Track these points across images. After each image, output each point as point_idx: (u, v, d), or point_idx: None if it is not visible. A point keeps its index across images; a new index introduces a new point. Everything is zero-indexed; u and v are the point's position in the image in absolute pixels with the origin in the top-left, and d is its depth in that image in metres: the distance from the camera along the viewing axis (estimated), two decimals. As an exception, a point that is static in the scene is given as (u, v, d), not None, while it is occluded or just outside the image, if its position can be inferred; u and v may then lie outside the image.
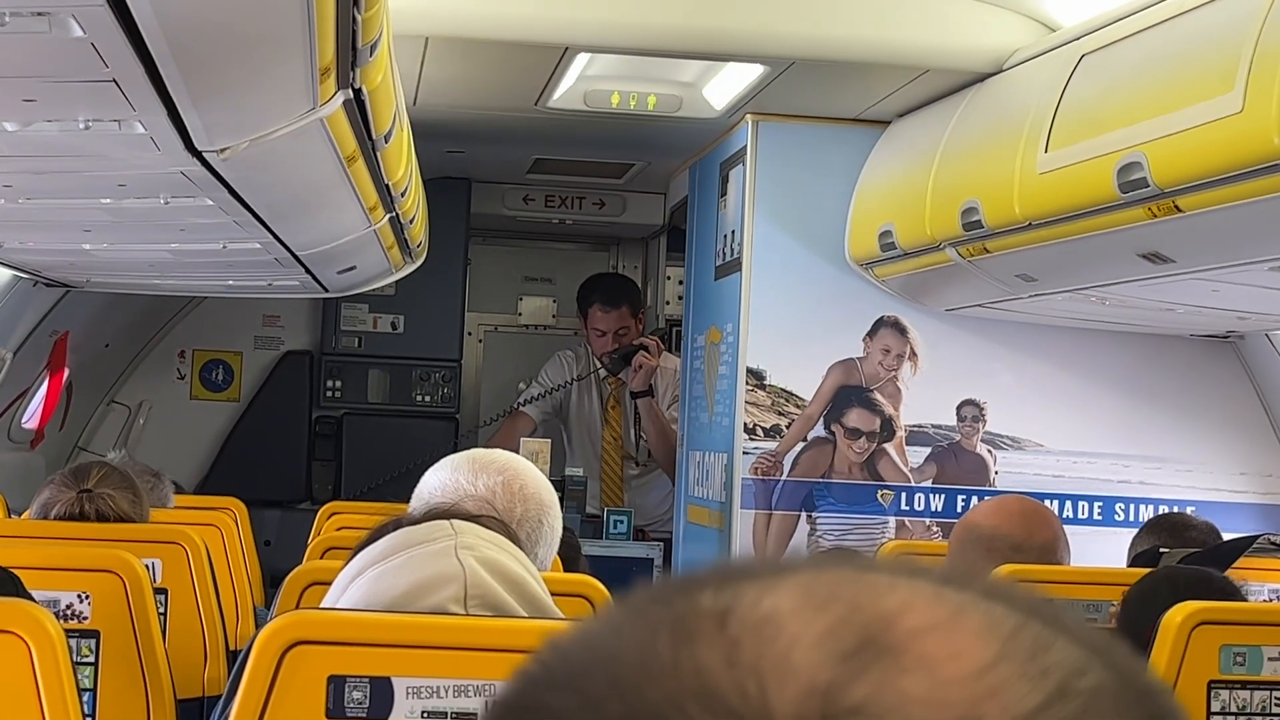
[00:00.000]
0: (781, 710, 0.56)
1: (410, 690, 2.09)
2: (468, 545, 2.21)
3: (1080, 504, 5.96)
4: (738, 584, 0.61)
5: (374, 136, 3.74)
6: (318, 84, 2.87)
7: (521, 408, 7.79)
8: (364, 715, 2.09)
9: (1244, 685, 2.83)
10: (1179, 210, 3.72)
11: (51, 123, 2.83)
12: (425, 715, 2.09)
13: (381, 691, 2.09)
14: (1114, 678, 0.59)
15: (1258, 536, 4.64)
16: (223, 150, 3.11)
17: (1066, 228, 4.22)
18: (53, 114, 2.76)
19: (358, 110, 3.40)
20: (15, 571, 3.05)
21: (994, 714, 0.56)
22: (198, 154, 3.10)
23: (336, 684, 2.09)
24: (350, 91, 3.17)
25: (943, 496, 5.90)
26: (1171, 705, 0.60)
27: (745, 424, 5.86)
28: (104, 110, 2.73)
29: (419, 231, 5.93)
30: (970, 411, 5.93)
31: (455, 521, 2.26)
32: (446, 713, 2.09)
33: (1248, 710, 2.84)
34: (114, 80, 2.50)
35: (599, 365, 7.64)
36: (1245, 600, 3.53)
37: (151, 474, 5.37)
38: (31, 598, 2.92)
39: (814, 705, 0.56)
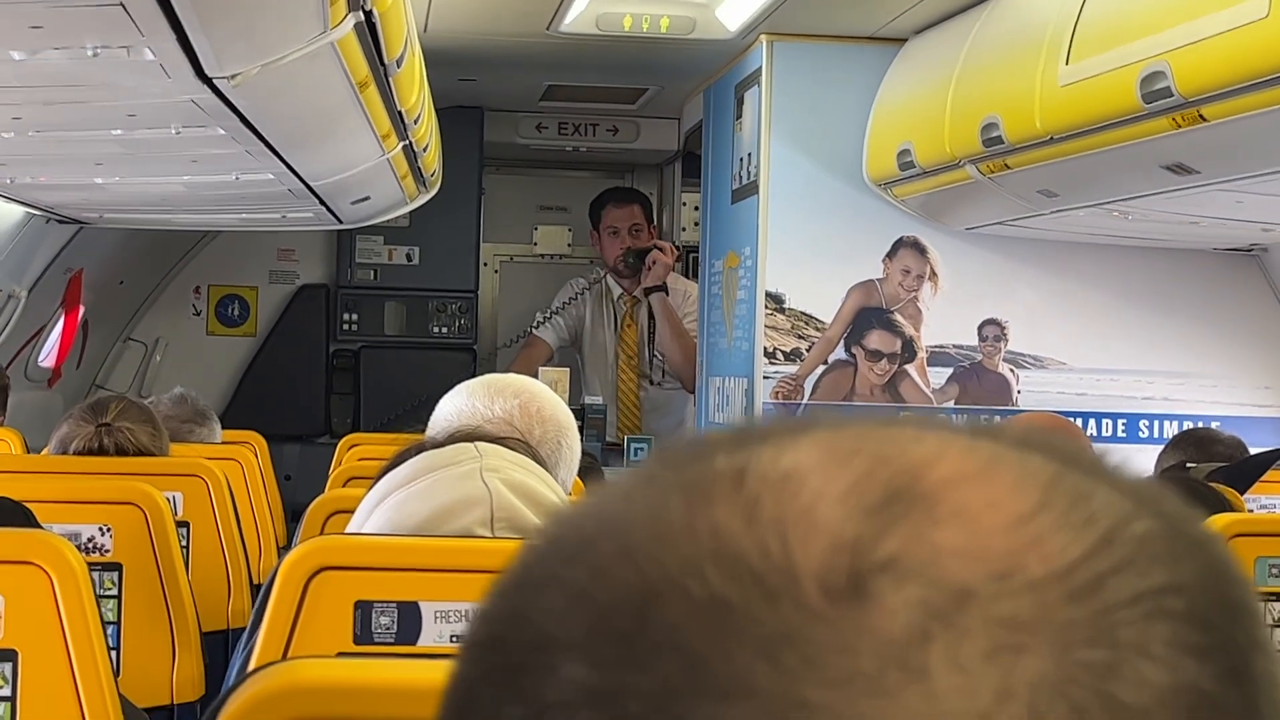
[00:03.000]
0: (806, 567, 0.52)
1: (438, 614, 2.06)
2: (493, 468, 2.18)
3: (1104, 421, 5.93)
4: (753, 444, 0.57)
5: (386, 61, 3.70)
6: (328, 5, 2.83)
7: (535, 331, 7.78)
8: (392, 641, 2.06)
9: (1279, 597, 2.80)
10: (1203, 120, 3.67)
11: (59, 50, 2.79)
12: (454, 639, 2.07)
13: (409, 616, 2.06)
14: (1163, 526, 0.55)
15: (1285, 450, 4.61)
16: (233, 76, 3.07)
17: (1088, 141, 4.17)
18: (60, 40, 2.72)
19: (369, 33, 3.36)
20: (36, 505, 3.03)
21: (1036, 565, 0.52)
22: (208, 81, 3.06)
23: (364, 610, 2.06)
24: (361, 14, 3.13)
25: (965, 417, 5.87)
26: (1224, 555, 0.56)
27: (765, 348, 5.82)
28: (112, 36, 2.68)
29: (432, 160, 5.89)
30: (992, 331, 5.89)
31: (480, 444, 2.23)
32: (475, 636, 2.06)
33: (1283, 622, 2.82)
34: (121, 4, 2.46)
35: (613, 271, 7.62)
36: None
37: (202, 415, 5.37)
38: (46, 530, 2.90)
39: (842, 561, 0.52)
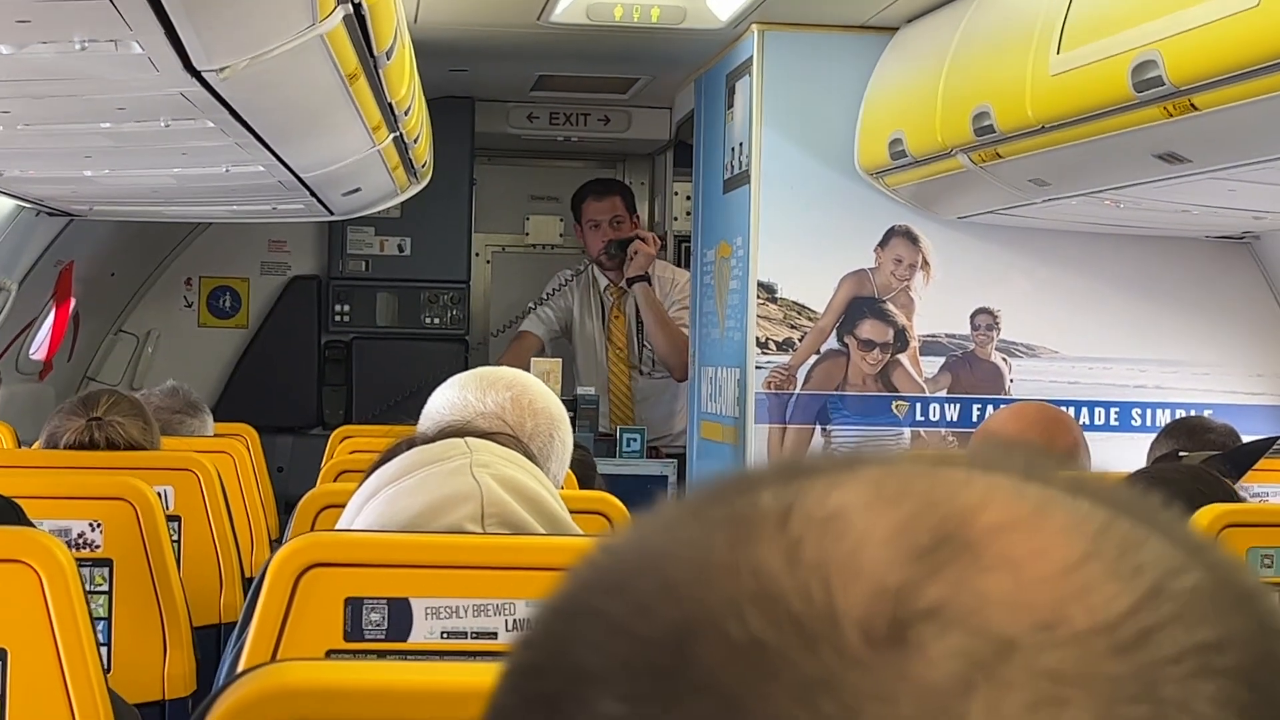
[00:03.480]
0: (848, 613, 0.52)
1: (429, 611, 2.06)
2: (483, 463, 2.17)
3: (1096, 410, 5.92)
4: (801, 480, 0.57)
5: (375, 53, 3.69)
6: (317, -2, 2.82)
7: (525, 325, 7.77)
8: (382, 637, 2.06)
9: (1273, 587, 2.80)
10: (1195, 109, 3.66)
11: (47, 44, 2.78)
12: (445, 635, 2.06)
13: (400, 613, 2.06)
14: (1212, 578, 0.54)
15: (1277, 438, 4.61)
16: (222, 70, 3.06)
17: (1080, 130, 4.16)
18: (48, 34, 2.71)
19: (358, 26, 3.35)
20: (26, 501, 3.02)
21: (1081, 616, 0.51)
22: (197, 74, 3.05)
23: (354, 606, 2.05)
24: (350, 6, 3.12)
25: (958, 406, 5.87)
26: (1273, 609, 0.55)
27: (757, 338, 5.82)
28: (100, 30, 2.67)
29: (423, 151, 5.88)
30: (984, 320, 5.89)
31: (470, 439, 2.22)
32: (466, 632, 2.06)
33: (1276, 612, 2.81)
34: (108, -2, 2.45)
35: (596, 263, 7.61)
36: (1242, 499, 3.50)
37: (194, 406, 5.36)
38: (34, 527, 2.89)
39: (884, 607, 0.52)
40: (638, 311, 7.51)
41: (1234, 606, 0.54)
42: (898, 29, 5.67)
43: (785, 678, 0.51)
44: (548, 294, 7.79)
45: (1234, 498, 3.27)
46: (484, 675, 1.06)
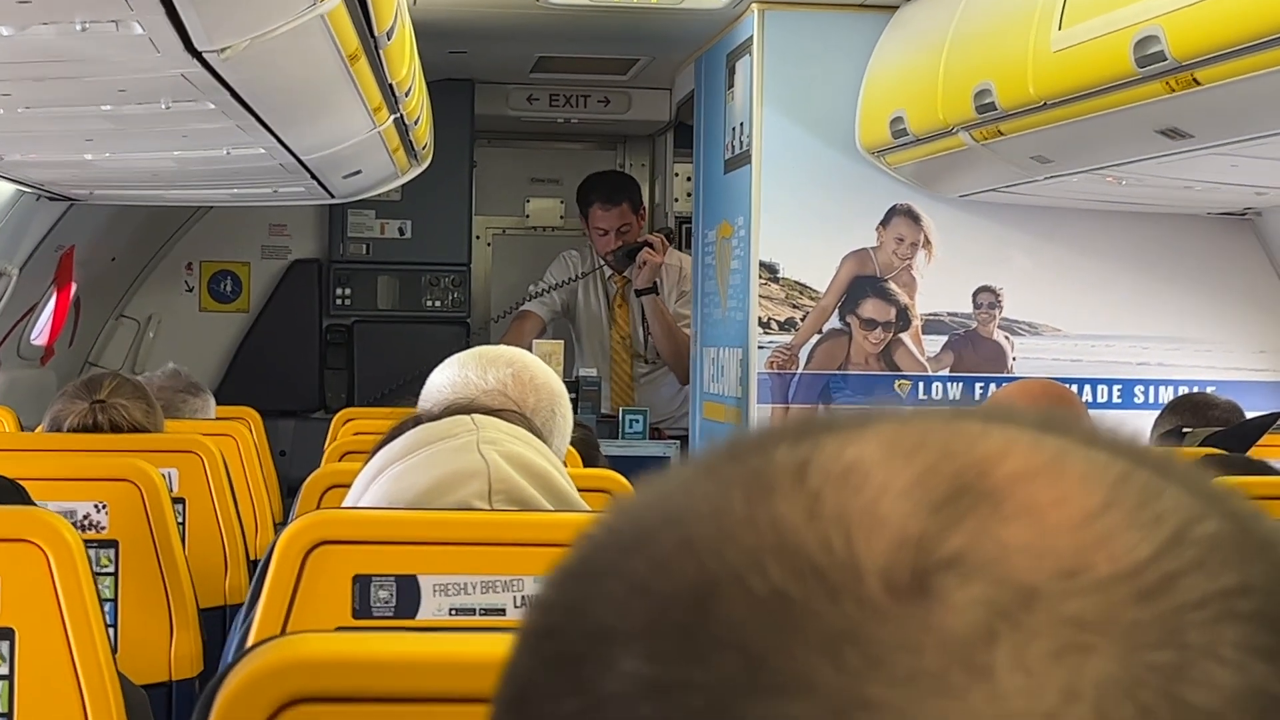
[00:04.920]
0: (870, 563, 0.51)
1: (437, 587, 2.06)
2: (490, 440, 2.17)
3: (1100, 387, 5.92)
4: (816, 436, 0.57)
5: (376, 34, 3.68)
6: (318, -23, 2.81)
7: (526, 305, 7.75)
8: (391, 614, 2.06)
9: None
10: (1197, 83, 3.65)
11: (47, 25, 2.77)
12: (453, 612, 2.06)
13: (408, 590, 2.06)
14: (1233, 526, 0.54)
15: (1281, 414, 4.61)
16: (223, 50, 3.05)
17: (1082, 106, 4.16)
18: (48, 15, 2.71)
19: (358, 6, 3.34)
20: (30, 483, 3.02)
21: (1103, 563, 0.51)
22: (198, 55, 3.04)
23: (362, 584, 2.05)
24: (351, -15, 3.11)
25: (960, 385, 5.87)
26: None
27: (759, 318, 5.81)
28: (100, 10, 2.67)
29: (424, 133, 5.87)
30: (986, 298, 5.88)
31: (476, 416, 2.22)
32: (474, 609, 2.06)
33: (1281, 585, 2.81)
34: (109, -23, 2.44)
35: (604, 263, 7.60)
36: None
37: (195, 387, 5.36)
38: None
39: (906, 557, 0.51)
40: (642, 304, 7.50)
41: (1255, 552, 0.54)
42: (898, 7, 5.66)
43: (809, 630, 0.51)
44: (552, 285, 7.75)
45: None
46: (495, 646, 1.06)
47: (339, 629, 2.03)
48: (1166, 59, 3.64)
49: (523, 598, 2.06)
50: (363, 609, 2.05)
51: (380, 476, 2.20)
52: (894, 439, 0.56)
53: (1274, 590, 0.53)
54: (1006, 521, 0.52)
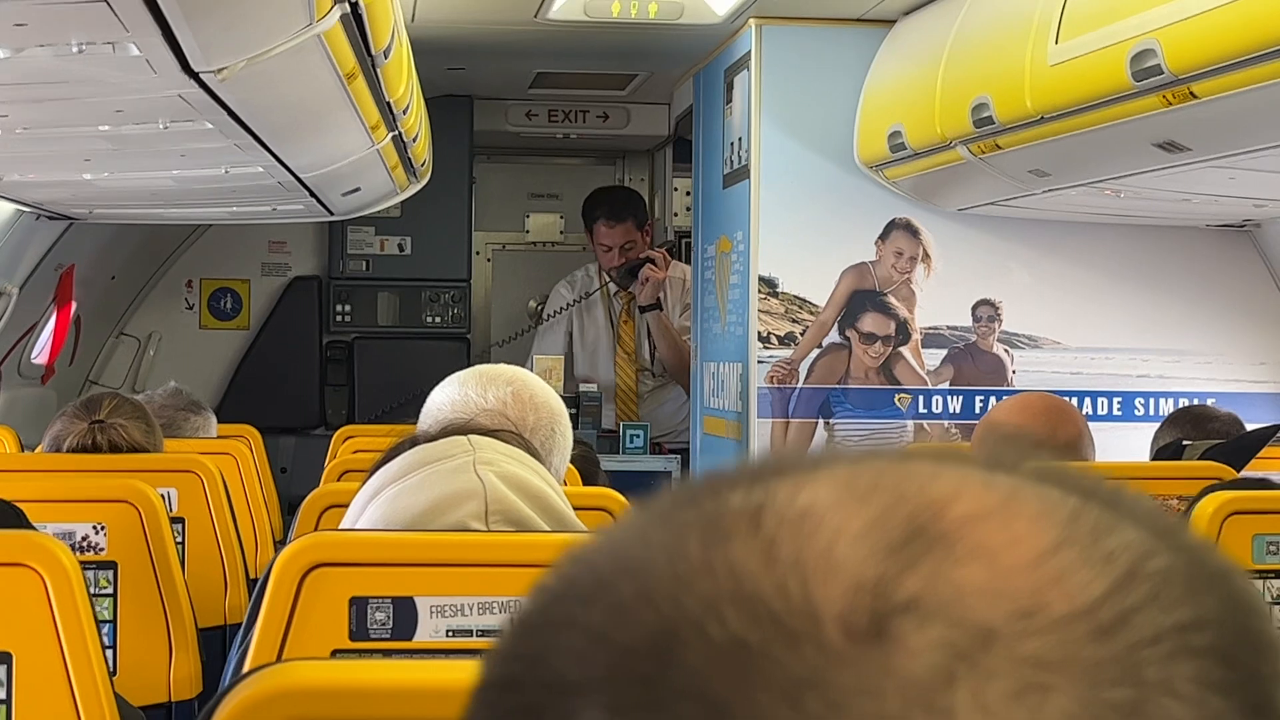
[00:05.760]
0: (827, 608, 0.52)
1: (434, 609, 2.06)
2: (486, 460, 2.17)
3: (1100, 400, 5.92)
4: (770, 480, 0.57)
5: (373, 52, 3.68)
6: (314, -3, 2.82)
7: (545, 330, 7.73)
8: (388, 636, 2.05)
9: (1278, 574, 2.79)
10: (1194, 97, 3.65)
11: (44, 47, 2.77)
12: (450, 634, 2.06)
13: (405, 611, 2.06)
14: (1184, 560, 0.54)
15: (1281, 426, 4.60)
16: (220, 71, 3.05)
17: (1079, 120, 4.16)
18: (45, 38, 2.71)
19: (355, 25, 3.34)
20: (29, 505, 3.02)
21: (1059, 602, 0.52)
22: (194, 75, 3.05)
23: (359, 606, 2.05)
24: (347, 5, 3.11)
25: (961, 398, 5.87)
26: (1245, 587, 0.56)
27: (759, 332, 5.81)
28: (97, 32, 2.67)
29: (422, 150, 5.87)
30: (985, 311, 5.88)
31: (473, 437, 2.22)
32: (471, 630, 2.06)
33: (1281, 599, 2.81)
34: (106, 0, 2.45)
35: (609, 278, 7.61)
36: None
37: (196, 405, 5.36)
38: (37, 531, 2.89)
39: (863, 601, 0.52)
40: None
41: (1207, 586, 0.54)
42: (895, 21, 5.66)
43: (769, 677, 0.51)
44: (558, 307, 7.74)
45: None
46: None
47: (336, 651, 2.03)
48: (1163, 73, 3.64)
49: (520, 619, 2.06)
50: (359, 631, 2.05)
51: (377, 498, 2.20)
52: (847, 482, 0.56)
53: (1227, 623, 0.53)
54: (961, 563, 0.52)
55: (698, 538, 0.55)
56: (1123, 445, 5.39)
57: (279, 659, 2.00)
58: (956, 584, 0.52)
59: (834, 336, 5.84)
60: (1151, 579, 0.53)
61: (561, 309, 7.72)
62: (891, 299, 5.84)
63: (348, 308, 8.25)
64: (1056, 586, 0.52)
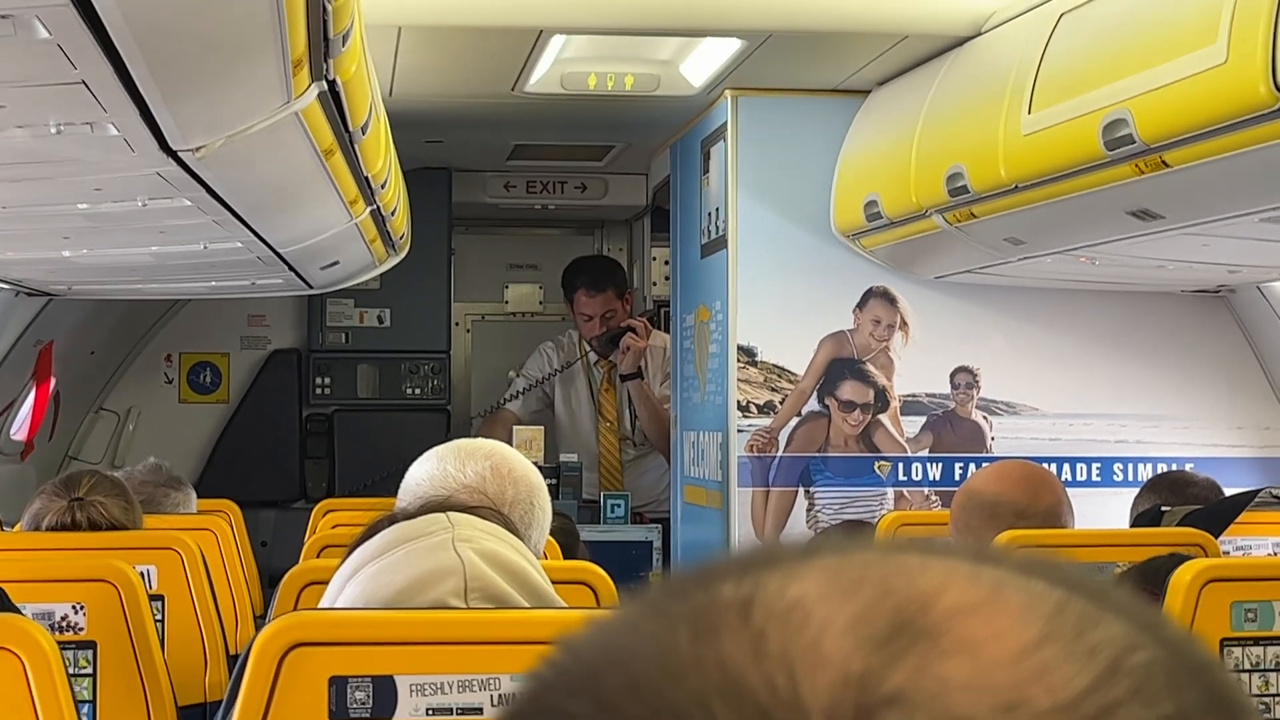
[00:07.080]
0: (814, 703, 0.52)
1: (414, 688, 2.05)
2: (465, 538, 2.17)
3: (1078, 466, 5.93)
4: (759, 572, 0.57)
5: (351, 128, 3.70)
6: (291, 76, 2.83)
7: (505, 405, 7.75)
8: (368, 715, 2.05)
9: (1256, 641, 2.80)
10: (1166, 166, 3.68)
11: (23, 128, 2.78)
12: (430, 712, 2.05)
13: (384, 690, 2.05)
14: (1166, 653, 0.55)
15: (1259, 491, 4.62)
16: (198, 149, 3.07)
17: (1053, 189, 4.19)
18: (23, 119, 2.72)
19: (333, 102, 3.36)
20: (8, 585, 3.01)
21: (1042, 697, 0.52)
22: (173, 154, 3.06)
23: (338, 685, 2.05)
24: (324, 83, 3.13)
25: (940, 465, 5.87)
26: (1227, 680, 0.56)
27: (739, 401, 5.82)
28: (75, 113, 2.68)
29: (401, 223, 5.89)
30: (964, 378, 5.90)
31: (451, 514, 2.23)
32: (451, 708, 2.05)
33: (1261, 666, 2.81)
34: (83, 82, 2.46)
35: (589, 348, 7.62)
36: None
37: (177, 481, 5.35)
38: (18, 610, 2.88)
39: (849, 695, 0.52)
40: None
41: (1189, 679, 0.55)
42: (870, 92, 5.70)
43: None
44: (538, 379, 7.75)
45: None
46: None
47: (316, 732, 2.03)
48: (1135, 141, 3.67)
49: (500, 696, 2.06)
50: (339, 710, 2.05)
51: (356, 575, 2.20)
52: (835, 575, 0.56)
53: (1209, 716, 0.54)
54: (946, 657, 0.53)
55: (687, 630, 0.55)
56: (1102, 511, 5.40)
57: (259, 740, 1.99)
58: (941, 678, 0.52)
59: (813, 405, 5.85)
60: (1134, 673, 0.53)
61: (540, 380, 7.73)
62: (870, 367, 5.86)
63: (327, 380, 8.25)
64: (1039, 681, 0.52)
